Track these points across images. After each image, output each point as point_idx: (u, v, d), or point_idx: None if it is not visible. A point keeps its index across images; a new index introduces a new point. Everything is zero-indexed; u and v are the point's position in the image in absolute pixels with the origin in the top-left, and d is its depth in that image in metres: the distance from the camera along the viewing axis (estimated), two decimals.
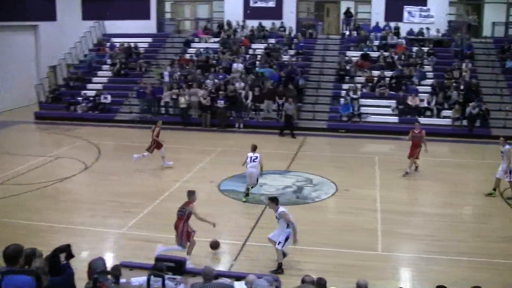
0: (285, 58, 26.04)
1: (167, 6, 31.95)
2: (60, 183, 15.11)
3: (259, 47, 27.11)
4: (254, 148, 13.81)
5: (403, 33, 27.15)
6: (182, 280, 7.43)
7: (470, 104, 21.36)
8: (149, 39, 29.68)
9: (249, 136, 20.38)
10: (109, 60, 27.80)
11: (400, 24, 27.37)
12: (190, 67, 25.84)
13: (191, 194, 9.93)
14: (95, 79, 26.84)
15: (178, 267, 7.64)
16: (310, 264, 10.03)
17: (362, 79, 24.34)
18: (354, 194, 14.38)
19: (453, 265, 10.17)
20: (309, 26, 28.61)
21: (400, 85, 23.55)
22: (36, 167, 16.70)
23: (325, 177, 15.74)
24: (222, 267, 9.89)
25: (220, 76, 24.66)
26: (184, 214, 9.77)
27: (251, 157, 13.56)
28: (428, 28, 26.96)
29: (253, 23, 28.65)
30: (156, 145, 16.54)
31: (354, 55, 25.94)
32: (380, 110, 22.89)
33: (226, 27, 28.80)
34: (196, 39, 28.67)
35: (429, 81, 23.81)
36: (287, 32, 28.18)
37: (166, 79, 25.05)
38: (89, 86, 26.20)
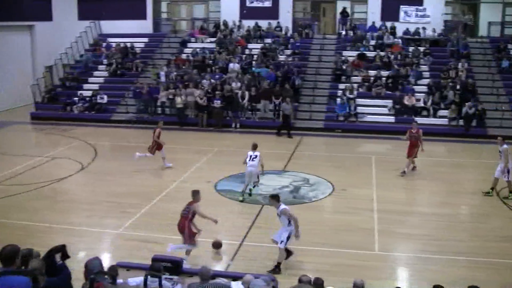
0: (282, 58, 26.04)
1: (163, 6, 31.91)
2: (57, 184, 15.07)
3: (255, 47, 27.13)
4: (254, 147, 13.83)
5: (399, 32, 27.19)
6: (179, 280, 7.41)
7: (467, 103, 21.40)
8: (146, 39, 29.68)
9: (246, 136, 20.37)
10: (105, 60, 27.75)
11: (396, 24, 27.43)
12: (186, 67, 25.82)
13: (195, 193, 9.99)
14: (91, 79, 26.78)
15: (175, 267, 7.65)
16: (307, 264, 10.04)
17: (358, 79, 24.36)
18: (351, 194, 14.39)
19: (450, 265, 10.17)
20: (305, 26, 28.60)
21: (396, 84, 23.58)
22: (33, 167, 16.65)
23: (322, 177, 15.74)
24: (219, 267, 9.87)
25: (217, 76, 24.65)
26: (188, 213, 9.83)
27: (251, 156, 13.57)
28: (424, 28, 27.01)
29: (249, 23, 28.65)
30: (157, 146, 16.51)
31: (350, 54, 25.98)
32: (376, 110, 22.92)
33: (222, 27, 28.79)
34: (193, 39, 28.64)
35: (426, 81, 23.86)
36: (283, 32, 28.20)
37: (163, 79, 25.02)
38: (86, 86, 26.13)
